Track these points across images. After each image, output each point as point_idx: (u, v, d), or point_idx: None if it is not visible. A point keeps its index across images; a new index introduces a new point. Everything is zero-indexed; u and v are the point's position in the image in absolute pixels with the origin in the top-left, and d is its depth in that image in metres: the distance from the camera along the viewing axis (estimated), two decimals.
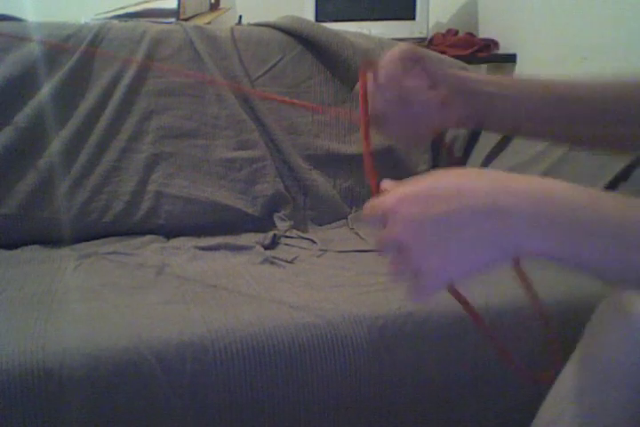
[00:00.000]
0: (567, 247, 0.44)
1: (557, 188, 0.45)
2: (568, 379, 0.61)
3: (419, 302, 0.47)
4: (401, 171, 1.39)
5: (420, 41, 1.79)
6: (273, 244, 1.18)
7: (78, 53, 1.26)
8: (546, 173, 1.16)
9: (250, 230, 1.26)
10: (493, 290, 0.88)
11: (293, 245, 1.18)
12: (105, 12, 1.65)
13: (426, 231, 0.45)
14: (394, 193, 0.47)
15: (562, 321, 0.85)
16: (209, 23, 1.71)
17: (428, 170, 1.41)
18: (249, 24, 1.63)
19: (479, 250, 0.46)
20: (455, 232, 0.45)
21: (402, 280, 0.48)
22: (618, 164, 1.03)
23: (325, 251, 1.13)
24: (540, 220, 0.44)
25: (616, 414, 0.55)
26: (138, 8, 1.66)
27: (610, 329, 0.60)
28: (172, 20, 1.59)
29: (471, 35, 1.84)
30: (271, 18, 1.45)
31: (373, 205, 0.49)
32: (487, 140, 1.35)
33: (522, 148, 1.26)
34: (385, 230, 0.47)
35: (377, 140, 1.39)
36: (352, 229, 1.28)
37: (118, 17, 1.62)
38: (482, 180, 0.46)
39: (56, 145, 1.21)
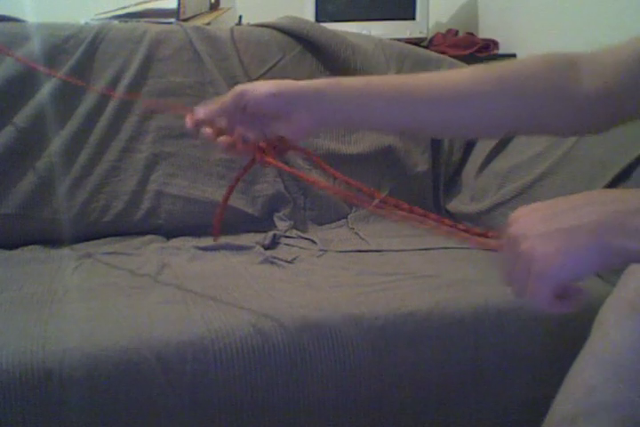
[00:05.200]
0: None
1: None
2: (578, 376, 0.61)
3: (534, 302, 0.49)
4: (400, 171, 1.39)
5: (420, 41, 1.79)
6: (273, 244, 1.18)
7: (78, 53, 1.26)
8: (546, 173, 1.16)
9: (250, 230, 1.26)
10: (493, 290, 0.88)
11: (293, 245, 1.18)
12: (105, 13, 1.65)
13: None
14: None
15: (562, 321, 0.85)
16: (209, 23, 1.71)
17: (427, 170, 1.41)
18: (249, 24, 1.63)
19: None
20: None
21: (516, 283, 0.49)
22: (618, 164, 1.03)
23: (325, 251, 1.13)
24: None
25: (627, 410, 0.55)
26: (138, 8, 1.66)
27: (618, 326, 0.60)
28: (172, 20, 1.59)
29: (471, 35, 1.84)
30: (271, 18, 1.45)
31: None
32: (487, 141, 1.35)
33: (522, 148, 1.26)
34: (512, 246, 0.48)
35: (377, 141, 1.40)
36: (352, 229, 1.28)
37: (118, 17, 1.62)
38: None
39: (56, 145, 1.21)
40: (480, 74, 0.66)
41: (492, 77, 0.66)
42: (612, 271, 0.82)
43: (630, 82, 0.60)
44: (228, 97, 0.71)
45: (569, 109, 0.64)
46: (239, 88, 0.70)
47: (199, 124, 0.72)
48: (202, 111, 0.72)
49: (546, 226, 0.46)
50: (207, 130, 0.72)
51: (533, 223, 0.47)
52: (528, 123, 0.67)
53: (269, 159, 0.71)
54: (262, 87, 0.69)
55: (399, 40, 1.57)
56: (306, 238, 1.22)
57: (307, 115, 0.68)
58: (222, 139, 0.71)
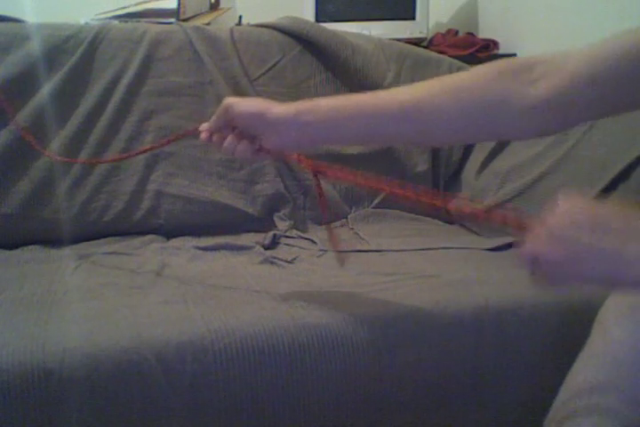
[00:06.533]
0: None
1: None
2: (579, 375, 0.61)
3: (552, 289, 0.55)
4: (400, 171, 1.39)
5: (419, 41, 1.79)
6: (273, 244, 1.18)
7: (78, 53, 1.26)
8: (546, 173, 1.16)
9: (250, 230, 1.26)
10: (493, 290, 0.88)
11: (293, 245, 1.18)
12: (105, 13, 1.64)
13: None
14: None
15: (562, 321, 0.85)
16: (209, 23, 1.71)
17: (427, 170, 1.41)
18: (249, 24, 1.63)
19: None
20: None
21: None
22: (618, 164, 1.03)
23: (325, 251, 1.13)
24: None
25: (628, 409, 0.56)
26: (138, 8, 1.66)
27: (618, 326, 0.60)
28: (172, 20, 1.59)
29: (471, 35, 1.84)
30: (271, 18, 1.45)
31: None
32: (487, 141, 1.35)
33: (521, 148, 1.26)
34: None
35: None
36: (352, 229, 1.28)
37: (118, 17, 1.62)
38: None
39: (56, 145, 1.21)
40: (437, 85, 0.70)
41: (447, 89, 0.69)
42: None
43: (578, 89, 0.61)
44: (219, 110, 0.77)
45: (517, 114, 0.65)
46: (227, 102, 0.77)
47: (211, 136, 0.79)
48: (205, 126, 0.80)
49: (575, 233, 0.50)
50: (215, 138, 0.79)
51: (572, 233, 0.50)
52: (482, 130, 0.69)
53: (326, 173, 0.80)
54: (246, 105, 0.76)
55: (399, 40, 1.57)
56: (306, 238, 1.22)
57: (278, 136, 0.75)
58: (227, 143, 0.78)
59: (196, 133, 0.82)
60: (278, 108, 0.74)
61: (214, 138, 0.79)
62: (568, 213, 0.51)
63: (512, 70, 0.66)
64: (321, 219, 1.33)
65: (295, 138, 0.74)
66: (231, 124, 0.77)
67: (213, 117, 0.79)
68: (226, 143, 0.77)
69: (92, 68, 1.27)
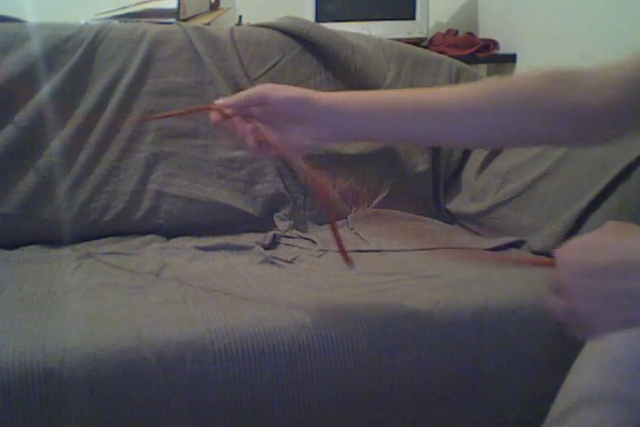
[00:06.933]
0: None
1: None
2: (579, 376, 0.61)
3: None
4: (400, 171, 1.39)
5: (419, 41, 1.79)
6: (273, 244, 1.18)
7: (78, 53, 1.26)
8: (546, 173, 1.16)
9: (250, 230, 1.26)
10: (493, 290, 0.88)
11: (293, 245, 1.18)
12: (105, 13, 1.64)
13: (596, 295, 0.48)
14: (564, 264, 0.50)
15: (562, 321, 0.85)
16: (209, 23, 1.71)
17: (427, 170, 1.41)
18: (249, 24, 1.63)
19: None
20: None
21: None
22: (618, 164, 1.03)
23: (325, 251, 1.13)
24: None
25: (628, 409, 0.56)
26: (138, 8, 1.66)
27: None
28: (172, 20, 1.59)
29: (471, 35, 1.84)
30: (271, 18, 1.45)
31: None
32: None
33: (521, 148, 1.26)
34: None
35: (375, 142, 1.40)
36: (352, 229, 1.28)
37: (118, 17, 1.62)
38: None
39: (56, 145, 1.21)
40: (486, 88, 0.68)
41: (495, 92, 0.67)
42: None
43: (631, 99, 0.61)
44: (250, 91, 0.71)
45: (568, 123, 0.65)
46: (263, 87, 0.71)
47: (224, 116, 0.72)
48: (221, 103, 0.73)
49: (591, 282, 0.47)
50: (231, 121, 0.72)
51: (579, 274, 0.48)
52: (528, 136, 0.68)
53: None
54: (287, 91, 0.71)
55: (399, 40, 1.57)
56: (306, 238, 1.22)
57: (324, 125, 0.70)
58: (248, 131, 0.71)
59: (206, 109, 0.75)
60: (325, 95, 0.70)
61: (228, 121, 0.72)
62: (588, 256, 0.48)
63: (558, 80, 0.65)
64: (321, 219, 1.33)
65: (342, 128, 0.70)
66: (262, 111, 0.71)
67: (233, 98, 0.73)
68: (248, 129, 0.70)
69: (92, 68, 1.27)
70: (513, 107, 0.66)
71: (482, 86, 0.69)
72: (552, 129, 0.66)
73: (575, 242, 0.50)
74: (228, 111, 0.72)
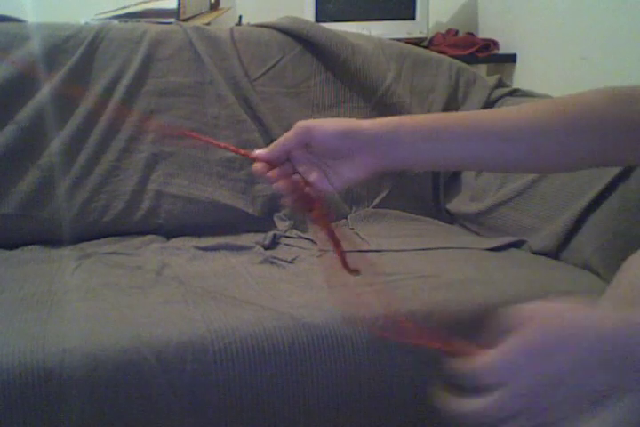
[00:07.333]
0: None
1: None
2: None
3: None
4: (398, 173, 1.39)
5: (419, 41, 1.79)
6: (273, 244, 1.18)
7: (78, 53, 1.26)
8: (545, 174, 1.16)
9: (250, 230, 1.25)
10: (493, 290, 0.88)
11: (293, 245, 1.17)
12: (105, 13, 1.65)
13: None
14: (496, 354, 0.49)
15: None
16: (209, 23, 1.71)
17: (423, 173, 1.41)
18: (249, 24, 1.63)
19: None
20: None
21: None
22: None
23: (325, 251, 1.13)
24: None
25: (628, 408, 0.56)
26: (138, 8, 1.66)
27: None
28: (172, 20, 1.59)
29: (471, 35, 1.84)
30: (271, 18, 1.45)
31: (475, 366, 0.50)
32: None
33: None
34: (495, 398, 0.48)
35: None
36: (352, 229, 1.28)
37: (118, 17, 1.62)
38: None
39: (56, 145, 1.21)
40: (542, 109, 0.66)
41: (554, 113, 0.65)
42: (609, 269, 0.82)
43: None
44: (291, 133, 0.69)
45: (633, 143, 0.63)
46: (303, 124, 0.68)
47: (265, 167, 0.70)
48: (264, 154, 0.71)
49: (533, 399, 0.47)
50: (271, 173, 0.71)
51: (521, 376, 0.47)
52: (599, 157, 0.66)
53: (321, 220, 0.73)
54: (330, 125, 0.67)
55: (399, 40, 1.57)
56: (306, 238, 1.22)
57: (374, 156, 0.67)
58: (282, 183, 0.70)
59: (246, 156, 0.73)
60: (368, 124, 0.66)
61: (271, 172, 0.70)
62: (519, 352, 0.48)
63: (622, 99, 0.64)
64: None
65: (392, 158, 0.66)
66: (304, 150, 0.69)
67: (273, 148, 0.70)
68: (289, 188, 0.69)
69: (92, 68, 1.27)
70: (586, 128, 0.64)
71: (546, 107, 0.66)
72: (619, 149, 0.64)
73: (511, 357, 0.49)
74: (265, 160, 0.71)
